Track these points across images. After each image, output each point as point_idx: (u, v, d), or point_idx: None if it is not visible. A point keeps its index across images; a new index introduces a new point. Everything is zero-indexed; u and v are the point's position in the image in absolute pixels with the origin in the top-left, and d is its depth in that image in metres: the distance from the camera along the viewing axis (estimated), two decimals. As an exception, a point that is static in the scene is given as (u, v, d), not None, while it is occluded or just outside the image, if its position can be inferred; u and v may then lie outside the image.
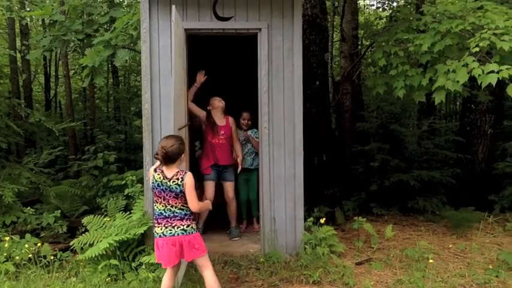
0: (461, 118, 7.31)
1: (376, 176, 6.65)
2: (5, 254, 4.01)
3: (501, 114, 7.21)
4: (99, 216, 4.31)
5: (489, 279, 3.80)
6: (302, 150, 4.36)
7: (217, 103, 4.82)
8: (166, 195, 3.00)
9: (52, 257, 4.06)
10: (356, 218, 4.83)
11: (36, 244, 4.19)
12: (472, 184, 6.56)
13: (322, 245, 4.22)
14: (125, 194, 4.78)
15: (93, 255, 3.71)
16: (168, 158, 2.97)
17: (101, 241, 3.86)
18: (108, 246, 3.71)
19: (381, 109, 7.80)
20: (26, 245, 4.09)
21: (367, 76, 8.85)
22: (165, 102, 4.18)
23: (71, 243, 4.12)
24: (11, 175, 5.44)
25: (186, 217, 3.05)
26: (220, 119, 4.82)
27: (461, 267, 4.09)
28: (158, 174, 3.01)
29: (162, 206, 3.03)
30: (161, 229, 3.03)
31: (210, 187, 4.75)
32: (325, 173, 5.64)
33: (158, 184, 3.00)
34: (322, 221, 4.47)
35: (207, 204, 3.32)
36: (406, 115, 8.26)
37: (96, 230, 4.13)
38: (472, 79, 3.99)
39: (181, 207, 3.04)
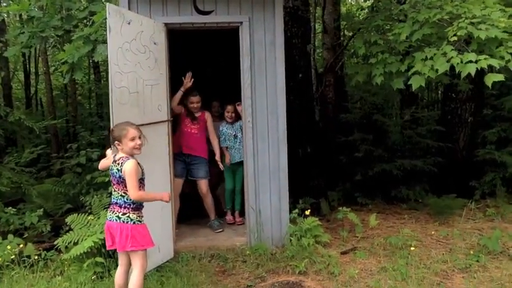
0: (443, 107, 7.42)
1: (360, 166, 6.72)
2: (-14, 256, 3.96)
3: (481, 103, 7.32)
4: (84, 214, 4.27)
5: (470, 264, 3.91)
6: (286, 142, 4.38)
7: (195, 101, 4.79)
8: (113, 179, 3.03)
9: (36, 257, 4.02)
10: (341, 208, 4.91)
11: (19, 244, 4.13)
12: (453, 172, 6.68)
13: (308, 235, 4.27)
14: (109, 191, 4.73)
15: (78, 254, 3.69)
16: (112, 142, 3.06)
17: (85, 239, 3.84)
18: (93, 244, 3.70)
19: (364, 100, 7.88)
20: (9, 246, 4.03)
21: (349, 67, 8.90)
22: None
23: (55, 243, 4.07)
24: (-8, 175, 5.35)
25: (124, 205, 3.00)
26: (196, 113, 4.85)
27: (443, 253, 4.19)
28: (112, 159, 3.09)
29: (113, 191, 3.07)
30: (107, 212, 3.09)
31: (176, 186, 4.58)
32: (309, 164, 5.68)
33: (110, 168, 3.08)
34: (307, 212, 4.51)
35: (159, 195, 3.13)
36: (388, 105, 8.36)
37: (80, 228, 4.09)
38: (452, 68, 4.05)
39: (123, 194, 3.01)
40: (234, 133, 4.99)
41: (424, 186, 6.51)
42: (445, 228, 4.95)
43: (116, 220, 2.99)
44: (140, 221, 3.05)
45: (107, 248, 3.18)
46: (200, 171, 4.79)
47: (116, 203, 3.03)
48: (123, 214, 2.99)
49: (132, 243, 2.97)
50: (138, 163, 3.04)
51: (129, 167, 2.93)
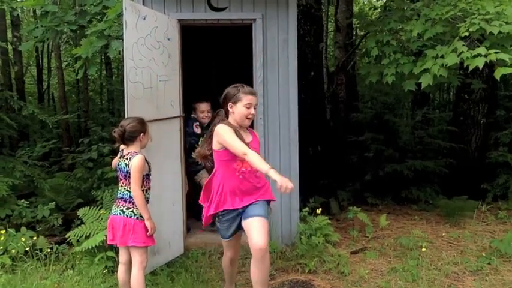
0: (455, 108, 7.35)
1: (370, 166, 6.69)
2: (0, 248, 4.00)
3: (494, 104, 7.24)
4: (95, 208, 4.31)
5: (482, 267, 3.87)
6: (297, 141, 4.37)
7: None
8: (120, 174, 3.05)
9: (48, 250, 4.06)
10: (351, 207, 4.88)
11: (32, 237, 4.18)
12: (465, 173, 6.62)
13: (317, 234, 4.25)
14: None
15: (90, 248, 3.72)
16: (125, 136, 3.02)
17: (97, 233, 3.86)
18: (104, 238, 3.71)
19: (375, 99, 7.83)
20: (22, 238, 4.08)
21: (361, 66, 8.86)
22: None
23: (66, 236, 4.11)
24: (5, 168, 5.41)
25: (130, 200, 3.02)
26: (245, 133, 2.93)
27: (454, 255, 4.15)
28: (119, 155, 3.10)
29: (119, 186, 3.09)
30: (113, 207, 3.13)
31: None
32: (320, 163, 5.66)
33: (118, 164, 3.09)
34: (318, 211, 4.50)
35: (147, 215, 3.00)
36: (400, 105, 8.30)
37: (92, 222, 4.12)
38: (466, 68, 4.00)
39: (129, 189, 3.02)
40: None
41: (435, 187, 6.46)
42: (456, 230, 4.90)
43: (120, 214, 3.02)
44: (140, 217, 3.04)
45: (107, 242, 3.22)
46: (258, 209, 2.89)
47: (121, 198, 3.06)
48: (127, 209, 3.02)
49: (133, 238, 2.98)
50: (146, 159, 3.06)
51: (136, 162, 2.96)
